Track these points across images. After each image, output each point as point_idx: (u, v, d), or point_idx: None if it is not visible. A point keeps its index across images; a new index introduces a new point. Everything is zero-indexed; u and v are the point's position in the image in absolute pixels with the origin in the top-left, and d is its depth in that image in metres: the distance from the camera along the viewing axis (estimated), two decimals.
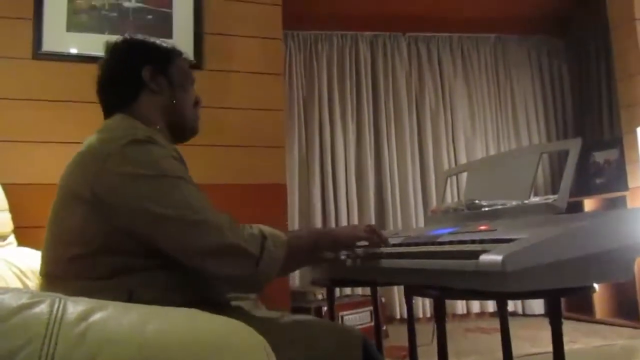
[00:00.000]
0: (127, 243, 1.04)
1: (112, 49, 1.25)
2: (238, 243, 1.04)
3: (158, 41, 1.29)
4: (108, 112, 1.23)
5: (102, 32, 2.38)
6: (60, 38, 2.33)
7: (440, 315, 1.30)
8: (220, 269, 1.04)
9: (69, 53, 2.34)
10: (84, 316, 0.62)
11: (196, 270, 1.06)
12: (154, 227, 1.02)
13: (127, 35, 1.27)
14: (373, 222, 4.06)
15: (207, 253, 1.02)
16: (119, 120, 1.18)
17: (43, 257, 1.11)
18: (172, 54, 1.28)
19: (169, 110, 1.24)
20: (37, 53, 2.28)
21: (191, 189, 1.06)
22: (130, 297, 0.99)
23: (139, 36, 1.29)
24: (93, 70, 2.30)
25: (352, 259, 1.45)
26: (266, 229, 1.11)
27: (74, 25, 2.36)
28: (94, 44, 2.37)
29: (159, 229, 1.02)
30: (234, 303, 1.26)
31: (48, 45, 2.30)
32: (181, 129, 1.28)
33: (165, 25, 2.46)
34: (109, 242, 1.03)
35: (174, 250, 1.04)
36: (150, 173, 1.03)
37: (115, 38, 1.27)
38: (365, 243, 1.41)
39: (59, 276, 1.06)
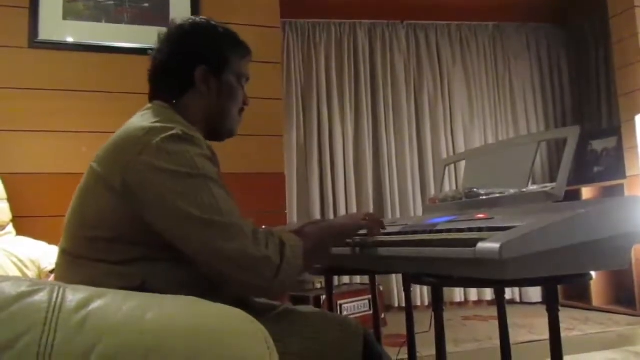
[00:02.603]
0: (147, 234, 1.02)
1: (171, 35, 1.22)
2: (260, 251, 1.01)
3: (224, 33, 1.25)
4: (153, 96, 1.22)
5: (98, 20, 2.37)
6: (56, 26, 2.31)
7: (438, 303, 1.31)
8: (238, 275, 1.02)
9: (66, 42, 2.32)
10: (83, 304, 0.63)
11: (213, 274, 1.04)
12: (178, 225, 1.00)
13: (189, 22, 1.23)
14: (371, 210, 4.07)
15: (228, 257, 1.00)
16: (162, 110, 1.17)
17: (64, 233, 1.11)
18: (233, 53, 1.24)
19: (211, 113, 1.23)
20: (34, 42, 2.27)
21: (221, 192, 1.04)
22: (142, 285, 0.99)
23: (203, 23, 1.24)
24: (89, 58, 2.32)
25: (351, 248, 1.45)
26: (283, 235, 1.09)
27: (70, 13, 2.34)
28: (91, 32, 2.36)
29: (184, 227, 1.00)
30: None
31: (44, 34, 2.28)
32: (218, 132, 1.26)
33: (162, 12, 2.44)
34: (130, 231, 1.03)
35: (194, 250, 1.02)
36: (183, 170, 1.01)
37: (177, 22, 1.23)
38: (364, 231, 1.42)
39: (77, 255, 1.07)
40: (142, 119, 1.12)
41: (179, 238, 1.02)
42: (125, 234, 1.03)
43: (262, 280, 1.02)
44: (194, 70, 1.18)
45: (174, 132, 1.04)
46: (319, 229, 1.28)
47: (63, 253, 1.10)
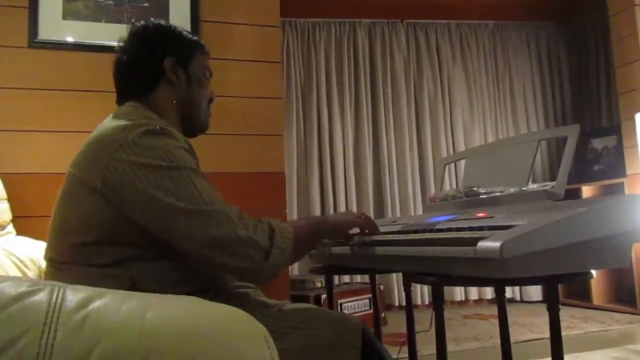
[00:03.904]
0: (133, 233, 1.03)
1: (135, 33, 1.25)
2: (249, 236, 1.04)
3: (184, 32, 1.29)
4: (123, 98, 1.24)
5: (98, 20, 2.37)
6: (56, 26, 2.31)
7: (438, 302, 1.31)
8: (230, 261, 1.04)
9: (65, 41, 2.32)
10: (83, 304, 0.63)
11: (204, 261, 1.06)
12: (165, 218, 1.01)
13: (152, 22, 1.27)
14: (371, 209, 4.08)
15: (218, 245, 1.02)
16: (133, 109, 1.18)
17: (49, 242, 1.11)
18: (195, 48, 1.28)
19: (183, 103, 1.25)
20: (33, 42, 2.26)
21: (203, 181, 1.06)
22: (133, 286, 0.99)
23: (164, 23, 1.28)
24: (89, 58, 2.31)
25: (351, 247, 1.46)
26: (273, 221, 1.11)
27: (69, 13, 2.34)
28: (90, 32, 2.35)
29: (170, 219, 1.01)
30: (235, 291, 1.26)
31: (44, 34, 2.28)
32: (192, 124, 1.28)
33: (162, 12, 2.44)
34: (116, 232, 1.03)
35: (184, 242, 1.03)
36: (163, 164, 1.02)
37: (140, 22, 1.26)
38: (358, 230, 1.43)
39: (63, 262, 1.06)
40: (115, 120, 1.12)
41: (165, 231, 1.03)
42: (111, 235, 1.03)
43: (253, 264, 1.04)
44: (162, 62, 1.21)
45: (149, 127, 1.06)
46: (312, 220, 1.30)
47: (49, 261, 1.10)
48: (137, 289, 0.98)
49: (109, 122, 1.12)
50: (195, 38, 1.32)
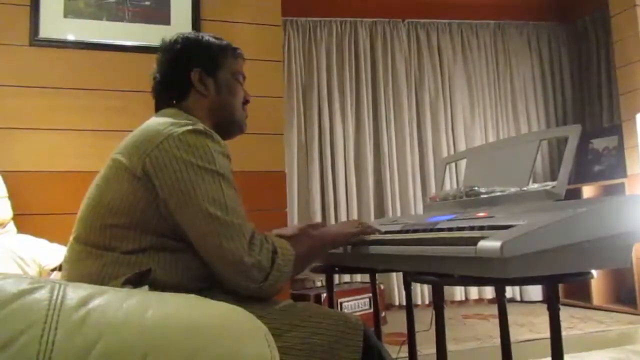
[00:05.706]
0: (161, 223, 1.08)
1: (165, 49, 1.31)
2: (253, 257, 1.07)
3: (211, 40, 1.33)
4: (159, 107, 1.30)
5: (99, 18, 2.37)
6: (57, 24, 2.31)
7: (438, 302, 1.31)
8: (230, 275, 1.08)
9: (66, 40, 2.32)
10: (83, 302, 0.63)
11: (209, 265, 1.10)
12: (188, 212, 1.06)
13: (179, 36, 1.32)
14: (372, 208, 4.08)
15: (223, 256, 1.06)
16: (176, 112, 1.24)
17: (79, 219, 1.15)
18: (223, 54, 1.32)
19: (215, 111, 1.30)
20: (34, 39, 2.26)
21: (231, 191, 1.11)
22: (149, 274, 1.03)
23: (192, 35, 1.33)
24: (90, 56, 2.32)
25: (351, 246, 1.46)
26: (277, 241, 1.15)
27: (71, 11, 2.34)
28: (92, 30, 2.36)
29: (192, 214, 1.06)
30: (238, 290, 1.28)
31: (45, 32, 2.28)
32: (227, 129, 1.33)
33: (163, 10, 2.44)
34: (146, 218, 1.08)
35: (196, 239, 1.08)
36: (200, 163, 1.07)
37: (169, 36, 1.32)
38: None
39: (88, 242, 1.10)
40: (161, 119, 1.18)
41: (183, 221, 1.08)
42: (140, 221, 1.08)
43: (251, 282, 1.08)
44: (190, 74, 1.27)
45: (196, 126, 1.12)
46: (312, 238, 1.36)
47: (76, 241, 1.14)
48: (153, 280, 1.02)
49: (155, 119, 1.18)
50: (224, 44, 1.34)
